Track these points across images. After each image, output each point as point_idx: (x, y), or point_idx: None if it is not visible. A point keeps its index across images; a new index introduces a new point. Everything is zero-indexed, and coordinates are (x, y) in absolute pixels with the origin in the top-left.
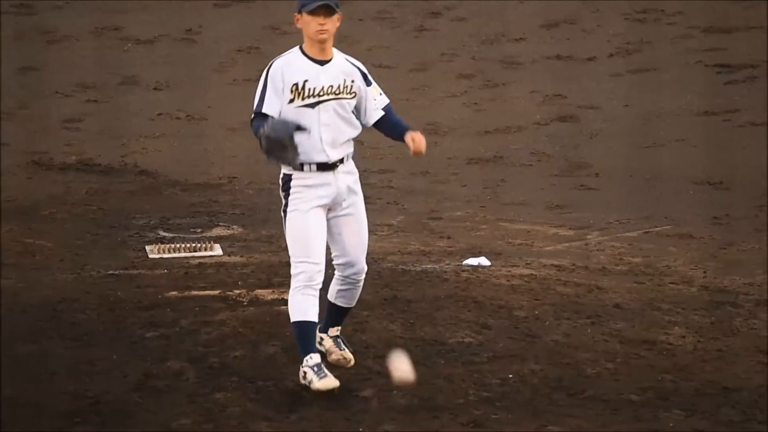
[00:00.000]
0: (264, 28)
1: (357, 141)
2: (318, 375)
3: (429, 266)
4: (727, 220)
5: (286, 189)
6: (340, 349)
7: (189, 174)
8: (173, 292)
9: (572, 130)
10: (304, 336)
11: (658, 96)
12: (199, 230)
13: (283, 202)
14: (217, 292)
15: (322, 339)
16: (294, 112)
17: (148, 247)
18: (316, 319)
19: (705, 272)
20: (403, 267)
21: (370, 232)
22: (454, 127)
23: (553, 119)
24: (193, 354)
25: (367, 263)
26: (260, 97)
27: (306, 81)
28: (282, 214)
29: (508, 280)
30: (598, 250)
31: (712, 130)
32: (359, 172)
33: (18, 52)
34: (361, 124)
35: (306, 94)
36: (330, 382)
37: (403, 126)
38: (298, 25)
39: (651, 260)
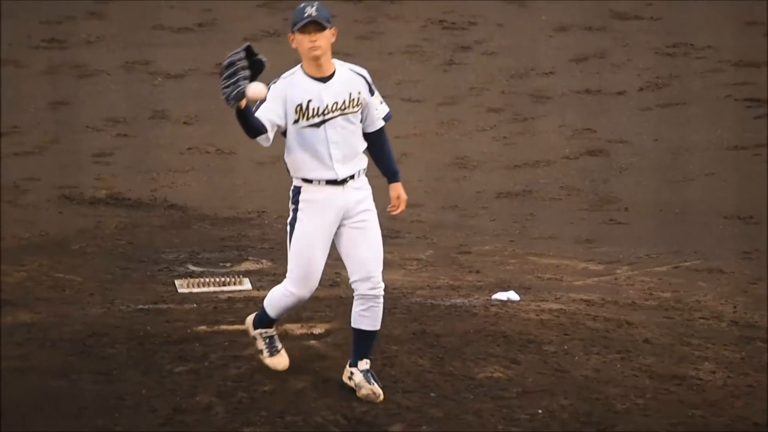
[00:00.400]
0: (294, 62)
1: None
2: (270, 350)
3: (458, 300)
4: (757, 255)
5: (296, 201)
6: (370, 384)
7: (218, 208)
8: (202, 327)
9: (602, 164)
10: (263, 322)
11: (687, 130)
12: (228, 264)
13: (291, 215)
14: (246, 326)
15: (352, 373)
16: (300, 133)
17: (177, 282)
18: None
19: (735, 307)
20: (432, 301)
21: (399, 266)
22: (483, 161)
23: (583, 153)
24: (222, 388)
25: (396, 297)
26: (257, 104)
27: (309, 101)
28: (288, 226)
29: (537, 315)
30: (627, 284)
31: (741, 164)
32: (388, 206)
33: (49, 86)
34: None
35: (310, 114)
36: (282, 361)
37: (393, 164)
38: (294, 45)
39: (681, 295)
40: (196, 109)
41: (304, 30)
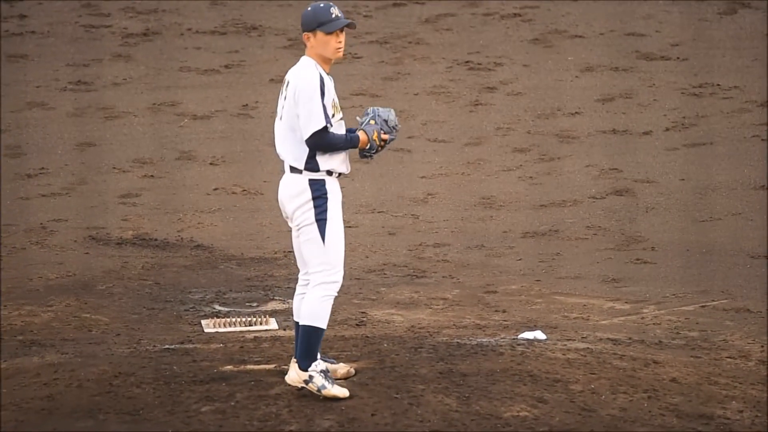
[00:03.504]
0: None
1: (412, 215)
2: (329, 381)
3: (484, 340)
4: None
5: (323, 193)
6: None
7: (244, 248)
8: (229, 366)
9: (628, 203)
10: (311, 354)
11: (713, 170)
12: (254, 304)
13: (317, 209)
14: (272, 366)
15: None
16: (335, 127)
17: (203, 322)
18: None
19: (762, 346)
20: (459, 341)
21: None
22: (509, 200)
23: (609, 193)
24: (248, 428)
25: (422, 336)
26: (322, 110)
27: (334, 97)
28: (316, 223)
29: (563, 354)
30: (654, 323)
31: None
32: (415, 246)
33: (76, 128)
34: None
35: (338, 108)
36: (345, 389)
37: None
38: (310, 43)
39: (708, 334)
40: (222, 150)
41: (334, 30)
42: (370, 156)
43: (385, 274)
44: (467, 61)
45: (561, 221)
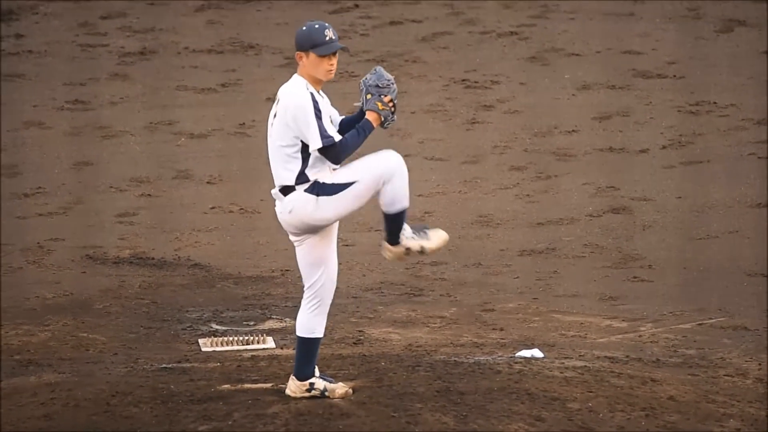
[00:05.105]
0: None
1: None
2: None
3: (482, 358)
4: None
5: (322, 188)
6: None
7: (242, 267)
8: (226, 386)
9: (625, 221)
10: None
11: (710, 188)
12: (251, 323)
13: (327, 195)
14: (269, 385)
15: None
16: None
17: (201, 341)
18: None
19: (760, 364)
20: (456, 359)
21: (423, 323)
22: (506, 218)
23: (606, 211)
24: None
25: (420, 355)
26: (319, 127)
27: (332, 113)
28: (336, 192)
29: (561, 372)
30: (651, 341)
31: (765, 221)
32: (412, 264)
33: (74, 147)
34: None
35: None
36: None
37: None
38: (302, 63)
39: (705, 352)
40: (219, 169)
41: (327, 53)
42: (392, 121)
43: (382, 292)
44: (464, 80)
45: (558, 239)
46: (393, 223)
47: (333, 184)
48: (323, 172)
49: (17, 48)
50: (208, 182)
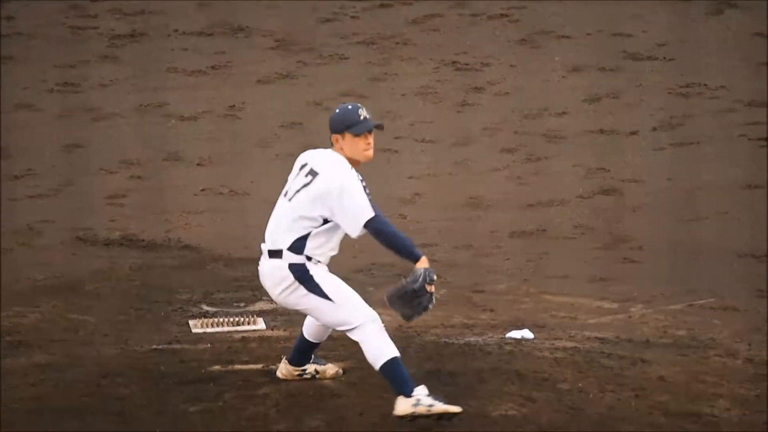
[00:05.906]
0: (307, 104)
1: (400, 215)
2: (437, 399)
3: (472, 339)
4: None
5: (304, 273)
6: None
7: (232, 248)
8: (216, 367)
9: (615, 203)
10: (406, 382)
11: (700, 169)
12: (242, 304)
13: (306, 283)
14: (260, 366)
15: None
16: None
17: (191, 322)
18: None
19: (749, 345)
20: (447, 340)
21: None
22: (497, 200)
23: (596, 193)
24: (236, 428)
25: (410, 336)
26: (367, 199)
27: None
28: (312, 294)
29: (551, 353)
30: (641, 322)
31: (755, 203)
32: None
33: (63, 129)
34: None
35: None
36: (456, 407)
37: None
38: (338, 145)
39: (695, 333)
40: (209, 151)
41: (363, 132)
42: (425, 305)
43: (372, 273)
44: (454, 62)
45: (548, 221)
46: (392, 379)
47: (315, 282)
48: (321, 249)
49: (7, 30)
50: (198, 164)
